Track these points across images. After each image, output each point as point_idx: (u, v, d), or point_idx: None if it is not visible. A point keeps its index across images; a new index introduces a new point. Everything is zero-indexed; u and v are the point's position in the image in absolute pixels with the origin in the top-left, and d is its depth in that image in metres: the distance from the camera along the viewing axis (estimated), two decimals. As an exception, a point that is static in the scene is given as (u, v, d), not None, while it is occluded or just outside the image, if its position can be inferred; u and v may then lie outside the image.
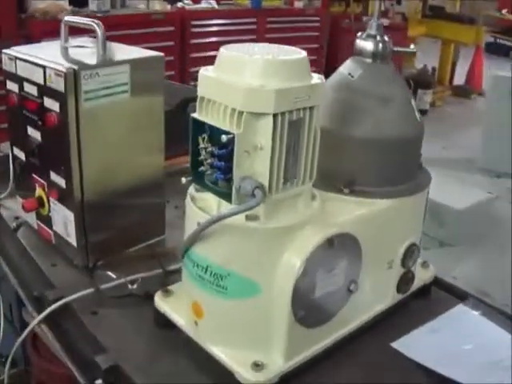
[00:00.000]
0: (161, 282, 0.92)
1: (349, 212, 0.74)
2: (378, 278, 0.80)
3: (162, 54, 0.96)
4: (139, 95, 0.93)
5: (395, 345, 0.82)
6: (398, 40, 5.02)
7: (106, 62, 0.89)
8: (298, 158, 0.66)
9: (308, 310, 0.70)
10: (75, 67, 0.85)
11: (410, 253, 0.83)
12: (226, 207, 0.67)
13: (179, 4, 3.44)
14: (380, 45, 0.79)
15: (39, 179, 1.00)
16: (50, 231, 1.02)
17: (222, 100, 0.63)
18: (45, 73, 0.88)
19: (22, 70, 0.95)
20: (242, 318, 0.70)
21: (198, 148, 0.67)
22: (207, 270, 0.69)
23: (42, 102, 0.91)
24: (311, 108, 0.65)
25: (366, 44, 0.79)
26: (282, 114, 0.62)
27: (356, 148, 0.77)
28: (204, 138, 0.66)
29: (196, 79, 0.66)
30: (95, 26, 0.92)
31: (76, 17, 1.01)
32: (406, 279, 0.85)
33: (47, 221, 1.01)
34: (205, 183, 0.68)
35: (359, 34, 0.81)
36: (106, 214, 0.96)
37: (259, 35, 3.59)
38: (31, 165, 1.00)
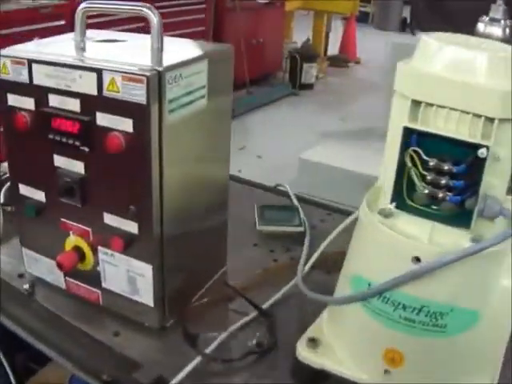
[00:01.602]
0: (263, 327, 0.76)
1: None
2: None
3: (231, 45, 0.76)
4: (213, 99, 0.73)
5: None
6: (277, 16, 5.07)
7: (187, 59, 0.67)
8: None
9: None
10: (159, 68, 0.62)
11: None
12: (445, 235, 0.55)
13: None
14: (507, 29, 0.72)
15: (77, 225, 0.73)
16: (96, 290, 0.76)
17: (457, 105, 0.50)
18: (100, 79, 0.63)
19: (45, 78, 0.67)
20: (456, 353, 0.59)
21: (404, 165, 0.53)
22: (421, 311, 0.56)
23: (92, 120, 0.65)
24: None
25: (493, 29, 0.72)
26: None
27: None
28: (417, 153, 0.53)
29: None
30: (147, 11, 0.69)
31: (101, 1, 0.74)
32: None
33: (90, 277, 0.75)
34: (411, 207, 0.55)
35: (482, 17, 0.73)
36: (182, 254, 0.74)
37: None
38: (60, 207, 0.73)
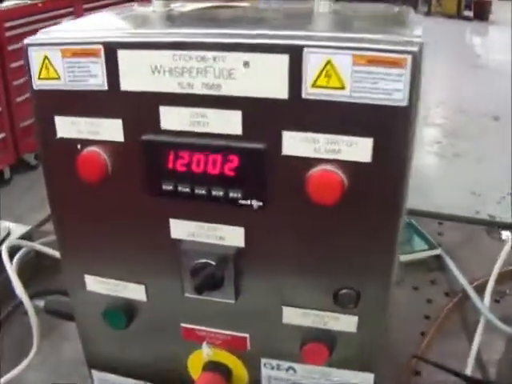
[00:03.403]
0: None
1: None
2: None
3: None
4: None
5: None
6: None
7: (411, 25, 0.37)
8: None
9: None
10: (416, 39, 0.32)
11: None
12: None
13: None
14: None
15: (221, 332, 0.41)
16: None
17: None
18: (298, 65, 0.31)
19: (151, 77, 0.33)
20: None
21: None
22: None
23: (273, 148, 0.34)
24: None
25: None
26: None
27: None
28: None
29: None
30: None
31: None
32: None
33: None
34: None
35: None
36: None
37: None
38: (182, 307, 0.40)
